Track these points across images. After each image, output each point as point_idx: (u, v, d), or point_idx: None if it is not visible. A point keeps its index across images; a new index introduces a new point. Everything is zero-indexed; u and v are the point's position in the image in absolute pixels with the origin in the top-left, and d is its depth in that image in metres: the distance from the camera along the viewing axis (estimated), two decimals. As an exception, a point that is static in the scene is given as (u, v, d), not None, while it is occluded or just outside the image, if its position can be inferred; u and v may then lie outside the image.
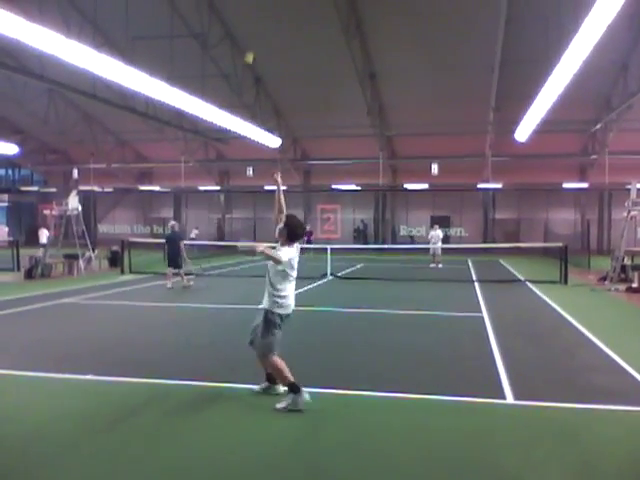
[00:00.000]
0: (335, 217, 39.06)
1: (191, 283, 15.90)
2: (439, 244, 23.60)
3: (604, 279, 16.92)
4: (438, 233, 23.87)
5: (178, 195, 40.88)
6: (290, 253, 5.69)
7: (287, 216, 5.94)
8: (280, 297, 5.74)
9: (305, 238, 29.58)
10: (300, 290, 15.13)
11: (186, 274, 16.22)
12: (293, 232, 5.81)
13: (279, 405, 5.53)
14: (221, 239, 37.30)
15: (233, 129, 23.69)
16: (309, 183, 38.93)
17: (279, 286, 5.74)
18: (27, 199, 42.48)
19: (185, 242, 16.88)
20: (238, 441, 4.89)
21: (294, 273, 5.86)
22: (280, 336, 5.77)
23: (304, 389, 5.57)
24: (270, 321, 5.70)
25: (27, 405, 5.83)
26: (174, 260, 15.60)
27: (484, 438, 4.98)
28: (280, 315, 5.75)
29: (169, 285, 15.36)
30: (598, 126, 28.63)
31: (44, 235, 20.65)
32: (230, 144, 32.48)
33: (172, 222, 16.93)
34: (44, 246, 20.53)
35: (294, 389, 5.53)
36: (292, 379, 5.58)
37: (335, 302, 13.23)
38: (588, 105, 27.38)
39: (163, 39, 21.14)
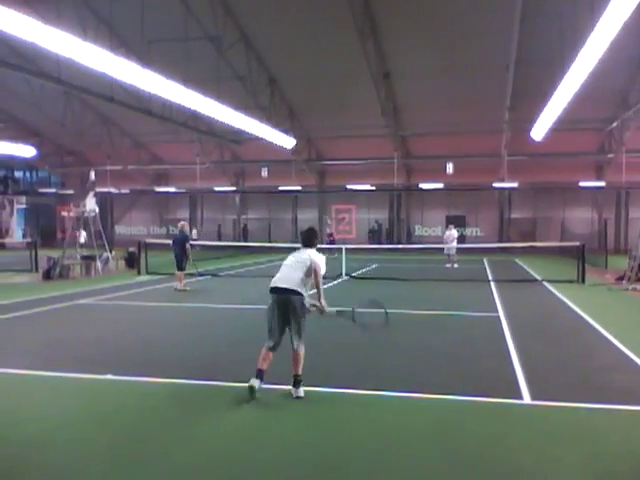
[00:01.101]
0: (350, 217, 39.08)
1: (187, 288, 15.19)
2: (454, 244, 23.55)
3: (621, 278, 16.77)
4: (453, 233, 23.81)
5: (194, 196, 41.11)
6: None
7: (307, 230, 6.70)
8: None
9: (328, 240, 29.97)
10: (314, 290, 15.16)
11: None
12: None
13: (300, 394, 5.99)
14: (245, 240, 37.58)
15: (248, 130, 23.78)
16: (324, 183, 38.96)
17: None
18: (45, 201, 42.92)
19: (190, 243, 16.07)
20: (257, 441, 4.92)
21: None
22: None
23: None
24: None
25: (46, 405, 5.92)
26: (179, 262, 15.10)
27: (501, 438, 4.98)
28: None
29: (178, 287, 15.01)
30: (615, 124, 28.38)
31: (82, 236, 20.92)
32: (245, 145, 32.58)
33: (181, 222, 16.24)
34: (82, 246, 20.75)
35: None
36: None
37: (350, 302, 13.20)
38: (604, 103, 27.15)
39: (179, 42, 21.28)
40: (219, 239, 37.69)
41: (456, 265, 22.88)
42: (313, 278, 6.23)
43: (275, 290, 6.18)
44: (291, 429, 5.20)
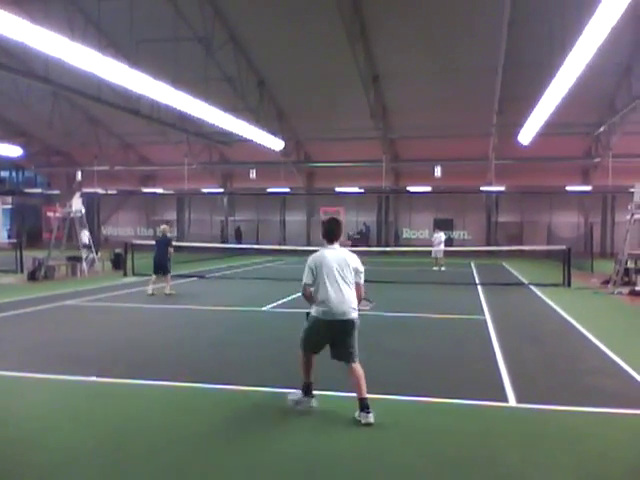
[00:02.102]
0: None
1: (173, 292, 14.73)
2: (442, 247, 23.64)
3: (607, 282, 16.89)
4: (440, 236, 23.91)
5: (181, 197, 40.95)
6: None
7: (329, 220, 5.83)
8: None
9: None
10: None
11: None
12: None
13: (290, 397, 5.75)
14: (239, 241, 37.53)
15: (236, 132, 23.72)
16: (312, 185, 38.95)
17: None
18: (31, 201, 42.60)
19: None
20: (251, 445, 4.90)
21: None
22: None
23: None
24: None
25: (32, 406, 5.86)
26: (161, 265, 14.70)
27: (486, 441, 4.99)
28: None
29: (149, 291, 14.43)
30: (602, 129, 28.56)
31: (85, 236, 20.75)
32: (233, 147, 32.49)
33: (163, 225, 15.85)
34: (86, 247, 20.58)
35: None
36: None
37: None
38: (592, 108, 27.34)
39: (167, 42, 21.20)
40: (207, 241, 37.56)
41: (443, 268, 22.98)
42: (355, 290, 5.51)
43: (334, 321, 5.41)
44: (280, 431, 5.18)
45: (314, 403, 5.61)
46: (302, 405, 5.60)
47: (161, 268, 14.77)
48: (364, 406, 5.27)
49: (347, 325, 5.40)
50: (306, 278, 5.48)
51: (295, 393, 5.71)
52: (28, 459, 4.58)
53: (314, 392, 5.69)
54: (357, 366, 5.46)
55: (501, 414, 5.71)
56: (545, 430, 5.25)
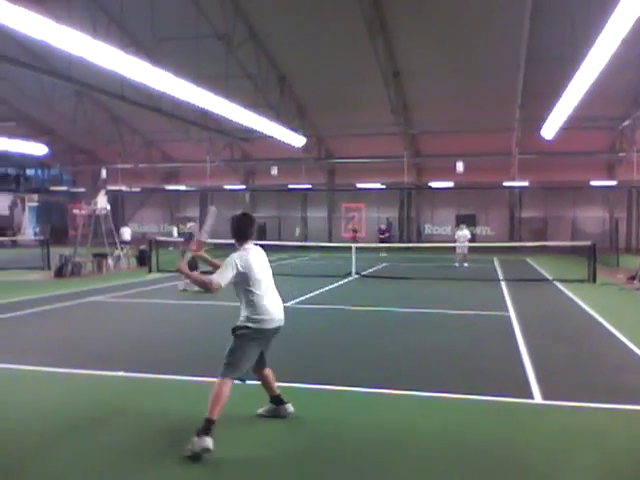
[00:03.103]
0: (359, 216, 39.06)
1: (189, 288, 13.99)
2: (466, 244, 23.22)
3: (633, 278, 16.64)
4: (465, 233, 23.41)
5: (204, 194, 41.21)
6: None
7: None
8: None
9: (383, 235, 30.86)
10: (324, 289, 15.19)
11: None
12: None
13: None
14: (262, 238, 37.68)
15: (258, 128, 23.80)
16: (333, 182, 38.96)
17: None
18: (56, 199, 43.21)
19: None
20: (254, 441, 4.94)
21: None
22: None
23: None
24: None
25: (58, 401, 5.95)
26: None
27: (511, 438, 4.96)
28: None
29: (181, 287, 14.50)
30: (626, 123, 28.15)
31: (127, 233, 21.11)
32: (255, 143, 32.64)
33: (190, 223, 15.87)
34: (127, 243, 20.90)
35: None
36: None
37: (358, 300, 13.23)
38: (616, 101, 26.93)
39: (188, 40, 21.33)
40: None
41: (466, 264, 22.72)
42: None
43: (277, 327, 5.01)
44: (299, 427, 5.20)
45: (210, 444, 4.46)
46: (202, 444, 4.44)
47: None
48: (280, 401, 5.26)
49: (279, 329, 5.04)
50: (225, 278, 4.77)
51: (194, 441, 4.49)
52: (54, 454, 4.67)
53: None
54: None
55: (526, 411, 5.67)
56: (571, 427, 5.22)
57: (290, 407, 5.29)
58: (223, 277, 4.75)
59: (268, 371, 5.26)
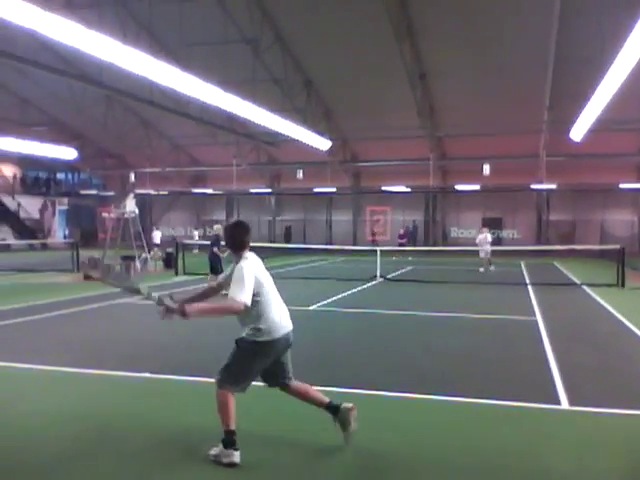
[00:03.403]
0: (385, 219, 39.00)
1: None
2: (487, 247, 22.79)
3: (664, 282, 16.38)
4: (486, 236, 22.99)
5: (230, 198, 41.55)
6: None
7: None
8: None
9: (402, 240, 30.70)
10: (349, 292, 15.20)
11: None
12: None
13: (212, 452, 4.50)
14: (288, 241, 37.97)
15: (284, 132, 23.92)
16: (359, 185, 38.96)
17: None
18: (86, 202, 43.92)
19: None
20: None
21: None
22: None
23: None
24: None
25: (87, 402, 6.09)
26: (211, 266, 14.72)
27: (538, 444, 4.91)
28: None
29: None
30: (657, 124, 27.69)
31: (158, 236, 21.49)
32: (281, 147, 32.81)
33: (217, 225, 15.84)
34: (158, 246, 21.23)
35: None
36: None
37: (384, 304, 13.21)
38: (647, 103, 26.52)
39: (216, 45, 21.55)
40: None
41: (492, 268, 22.41)
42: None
43: (289, 337, 4.69)
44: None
45: (237, 458, 4.39)
46: (229, 458, 4.39)
47: (212, 268, 14.79)
48: (335, 408, 4.73)
49: (290, 337, 4.73)
50: (247, 293, 4.36)
51: (221, 451, 4.45)
52: (90, 451, 4.77)
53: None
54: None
55: (554, 417, 5.62)
56: (599, 434, 5.16)
57: (346, 405, 4.72)
58: (244, 293, 4.31)
59: (298, 384, 4.78)
